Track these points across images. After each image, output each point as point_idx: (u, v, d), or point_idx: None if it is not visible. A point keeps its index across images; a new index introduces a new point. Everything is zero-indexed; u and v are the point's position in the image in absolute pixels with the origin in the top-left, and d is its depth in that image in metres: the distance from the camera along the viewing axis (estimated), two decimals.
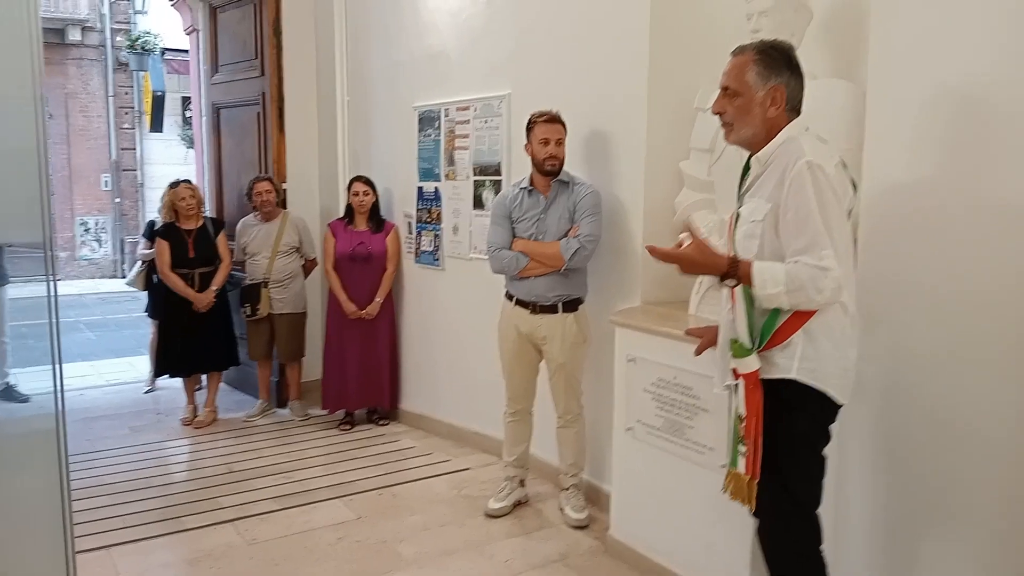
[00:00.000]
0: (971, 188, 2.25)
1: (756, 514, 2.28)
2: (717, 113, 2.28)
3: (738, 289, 2.17)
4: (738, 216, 2.27)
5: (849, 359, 2.18)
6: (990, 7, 2.20)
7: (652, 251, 2.25)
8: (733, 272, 2.14)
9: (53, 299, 1.85)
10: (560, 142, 3.53)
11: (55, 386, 1.90)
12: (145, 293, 5.77)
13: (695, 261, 2.20)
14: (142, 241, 5.87)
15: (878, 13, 2.47)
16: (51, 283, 1.86)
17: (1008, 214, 2.17)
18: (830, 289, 2.03)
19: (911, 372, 2.41)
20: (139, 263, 5.76)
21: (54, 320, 1.83)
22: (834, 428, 2.24)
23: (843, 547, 2.57)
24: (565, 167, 3.58)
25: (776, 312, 2.13)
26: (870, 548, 2.56)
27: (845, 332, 2.16)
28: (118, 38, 13.78)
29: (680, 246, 2.23)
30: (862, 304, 2.28)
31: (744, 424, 2.16)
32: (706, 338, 2.56)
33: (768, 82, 2.17)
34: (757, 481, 2.16)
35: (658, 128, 3.48)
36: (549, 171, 3.54)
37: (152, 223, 5.67)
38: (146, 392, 6.01)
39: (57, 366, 1.89)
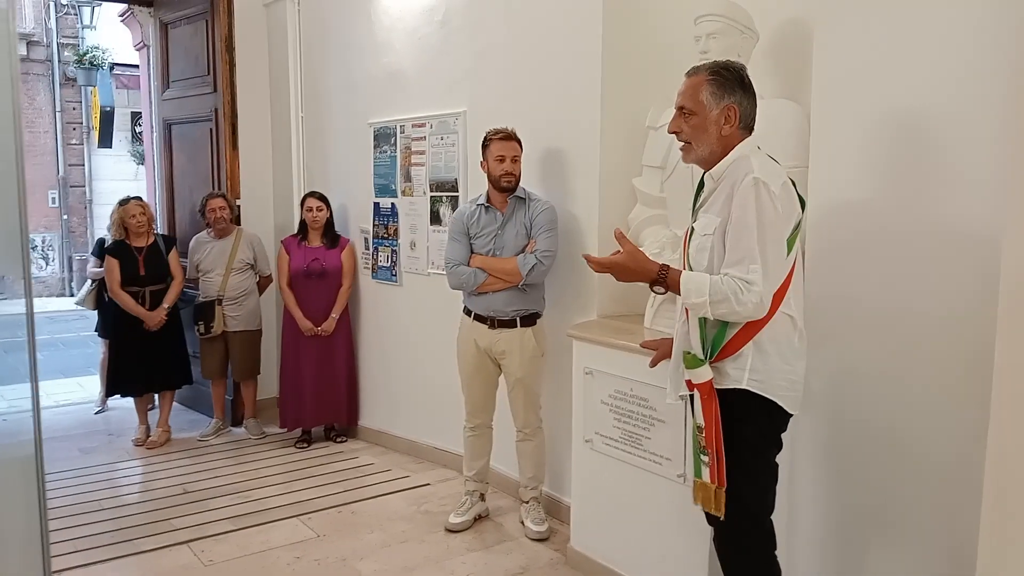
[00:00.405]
0: (913, 209, 2.32)
1: (712, 522, 2.33)
2: (673, 132, 2.33)
3: None
4: (692, 230, 2.33)
5: (797, 372, 2.25)
6: (929, 34, 2.28)
7: (588, 259, 2.37)
8: (662, 280, 2.23)
9: (30, 319, 1.82)
10: (516, 159, 3.58)
11: (33, 406, 1.88)
12: (95, 312, 5.67)
13: (628, 268, 2.30)
14: (92, 259, 5.77)
15: (820, 39, 2.56)
16: (30, 304, 1.85)
17: (949, 235, 2.24)
18: (752, 303, 2.09)
19: (856, 387, 2.49)
20: (89, 282, 5.66)
21: (32, 342, 1.81)
22: (785, 437, 2.31)
23: (796, 553, 2.63)
24: (521, 184, 3.63)
25: (726, 324, 2.19)
26: (822, 554, 2.63)
27: (793, 345, 2.23)
28: (66, 53, 13.50)
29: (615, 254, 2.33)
30: (809, 320, 2.34)
31: (704, 434, 2.21)
32: (661, 350, 2.63)
33: (722, 101, 2.24)
34: (725, 489, 2.21)
35: (612, 146, 3.54)
36: (505, 188, 3.58)
37: (102, 240, 5.58)
38: (97, 413, 5.89)
39: (35, 383, 1.86)
